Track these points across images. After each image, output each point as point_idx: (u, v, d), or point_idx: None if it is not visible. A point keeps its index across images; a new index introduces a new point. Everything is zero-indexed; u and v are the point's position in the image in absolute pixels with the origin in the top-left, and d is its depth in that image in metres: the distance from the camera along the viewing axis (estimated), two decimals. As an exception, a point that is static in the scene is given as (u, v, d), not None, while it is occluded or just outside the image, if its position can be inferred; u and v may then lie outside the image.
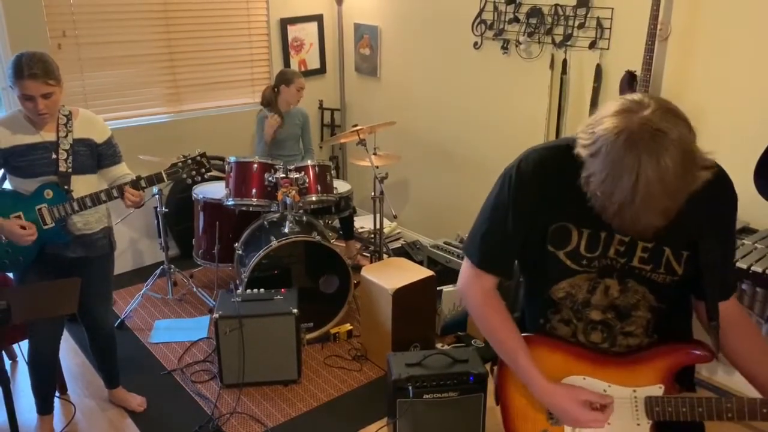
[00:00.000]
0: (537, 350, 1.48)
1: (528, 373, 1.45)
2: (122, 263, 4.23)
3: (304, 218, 3.69)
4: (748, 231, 2.85)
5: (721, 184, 1.36)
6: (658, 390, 1.43)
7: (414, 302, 3.21)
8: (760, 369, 1.40)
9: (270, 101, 4.23)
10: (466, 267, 1.53)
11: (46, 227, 2.52)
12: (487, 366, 2.73)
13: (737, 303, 1.48)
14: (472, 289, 1.52)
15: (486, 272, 1.49)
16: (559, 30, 3.54)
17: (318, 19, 4.99)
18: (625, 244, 1.39)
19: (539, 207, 1.40)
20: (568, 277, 1.43)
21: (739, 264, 2.53)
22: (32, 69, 2.34)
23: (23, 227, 2.44)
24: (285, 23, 4.80)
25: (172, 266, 4.01)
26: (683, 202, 1.17)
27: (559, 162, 1.35)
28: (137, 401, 3.02)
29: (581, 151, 1.23)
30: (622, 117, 1.17)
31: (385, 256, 4.14)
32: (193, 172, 2.75)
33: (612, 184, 1.15)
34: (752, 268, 2.50)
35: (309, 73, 5.04)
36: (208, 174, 2.86)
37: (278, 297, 3.20)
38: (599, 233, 1.39)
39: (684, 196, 1.16)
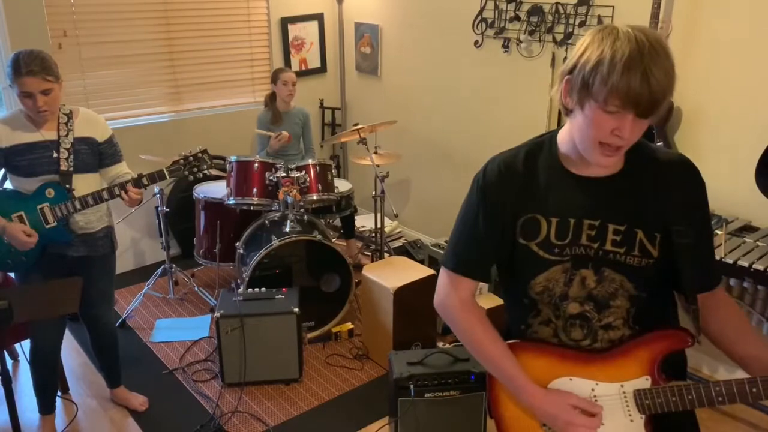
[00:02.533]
0: (521, 357, 1.47)
1: (515, 381, 1.44)
2: (124, 262, 4.24)
3: (305, 217, 3.69)
4: (749, 229, 2.85)
5: (688, 169, 1.42)
6: (645, 382, 1.41)
7: (415, 301, 3.21)
8: (745, 349, 1.41)
9: (270, 105, 4.24)
10: (442, 277, 1.54)
11: (48, 226, 2.52)
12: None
13: (723, 290, 1.48)
14: (450, 300, 1.52)
15: (462, 276, 1.50)
16: (560, 28, 3.54)
17: (318, 18, 4.99)
18: (595, 228, 1.39)
19: (506, 205, 1.43)
20: (544, 270, 1.43)
21: (740, 262, 2.53)
22: (30, 66, 2.34)
23: (28, 234, 2.45)
24: (285, 22, 4.80)
25: (174, 265, 4.01)
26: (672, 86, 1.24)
27: (521, 161, 1.44)
28: (139, 401, 3.02)
29: (568, 68, 1.30)
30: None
31: (386, 255, 4.14)
32: (195, 169, 2.75)
33: (611, 47, 1.21)
34: (753, 266, 2.50)
35: (310, 72, 5.04)
36: (210, 171, 2.85)
37: (279, 296, 3.20)
38: (568, 220, 1.40)
39: (674, 66, 1.23)
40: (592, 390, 1.44)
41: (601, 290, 1.41)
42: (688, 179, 1.41)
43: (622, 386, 1.42)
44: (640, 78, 1.18)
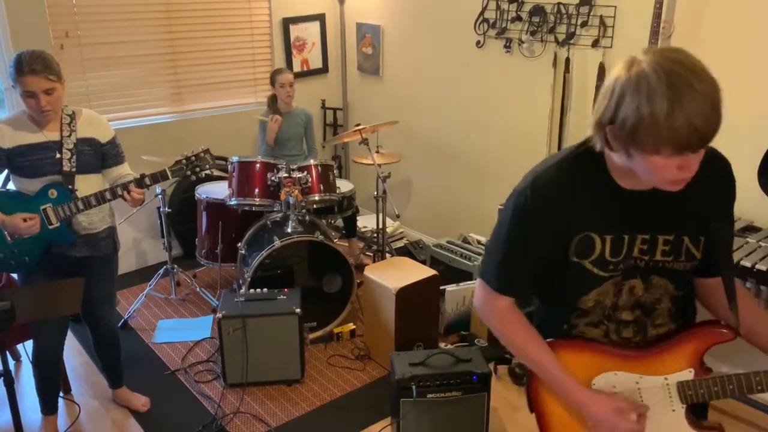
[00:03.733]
0: (563, 354, 1.49)
1: (563, 385, 1.47)
2: (126, 263, 4.24)
3: (307, 218, 3.69)
4: (752, 229, 2.84)
5: (719, 161, 1.42)
6: (688, 374, 1.46)
7: (417, 302, 3.20)
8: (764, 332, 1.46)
9: (272, 105, 4.26)
10: (481, 289, 1.53)
11: (51, 227, 2.52)
12: (491, 365, 2.74)
13: (739, 283, 1.51)
14: (490, 310, 1.53)
15: (504, 296, 1.50)
16: (562, 28, 3.54)
17: (320, 18, 4.99)
18: (647, 242, 1.41)
19: (557, 226, 1.40)
20: (597, 286, 1.44)
21: (743, 262, 2.53)
22: (32, 65, 2.34)
23: (25, 219, 2.44)
24: (287, 23, 4.80)
25: (176, 266, 4.02)
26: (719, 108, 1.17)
27: (569, 179, 1.38)
28: (141, 401, 3.02)
29: (603, 114, 1.24)
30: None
31: (388, 255, 4.14)
32: (197, 169, 2.75)
33: (648, 101, 1.15)
34: (756, 266, 2.50)
35: (311, 73, 5.04)
36: (212, 171, 2.85)
37: (281, 297, 3.20)
38: (622, 237, 1.40)
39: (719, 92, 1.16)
40: (636, 383, 1.48)
41: (648, 297, 1.46)
42: (721, 172, 1.42)
43: (665, 379, 1.47)
44: (686, 126, 1.14)
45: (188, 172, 2.74)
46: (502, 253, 1.46)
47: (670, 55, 1.17)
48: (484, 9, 3.92)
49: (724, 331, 1.45)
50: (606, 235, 1.40)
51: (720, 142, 2.74)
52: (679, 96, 1.13)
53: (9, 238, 2.50)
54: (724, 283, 1.43)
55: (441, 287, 3.45)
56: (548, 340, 1.51)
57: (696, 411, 1.50)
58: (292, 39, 4.86)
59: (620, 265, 1.42)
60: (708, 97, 1.14)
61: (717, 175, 1.41)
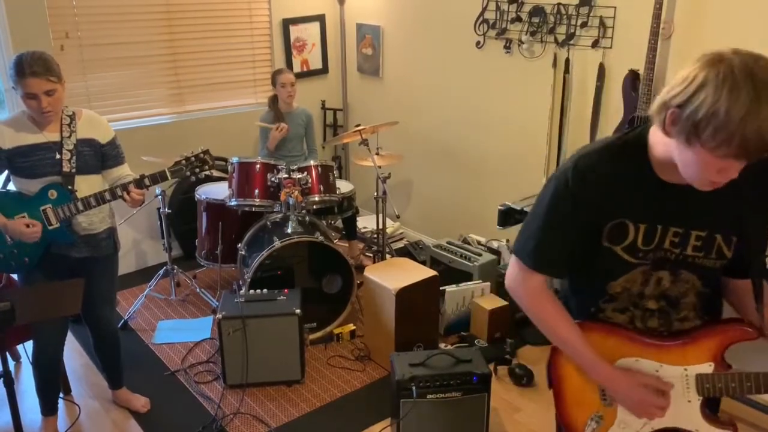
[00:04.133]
0: (590, 335, 1.53)
1: (590, 361, 1.50)
2: (126, 264, 4.24)
3: (307, 218, 3.69)
4: None
5: (764, 164, 1.38)
6: (708, 368, 1.48)
7: (417, 302, 3.21)
8: None
9: (273, 106, 4.26)
10: (515, 266, 1.56)
11: (51, 228, 2.52)
12: (491, 366, 2.74)
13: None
14: (522, 287, 1.56)
15: (538, 273, 1.53)
16: (562, 29, 3.54)
17: (320, 19, 4.99)
18: (679, 236, 1.43)
19: (594, 210, 1.43)
20: (626, 273, 1.47)
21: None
22: (33, 67, 2.35)
23: (28, 225, 2.44)
24: (287, 23, 4.81)
25: (176, 267, 4.02)
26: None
27: (610, 164, 1.40)
28: (141, 402, 3.02)
29: (675, 100, 1.22)
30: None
31: (388, 256, 4.14)
32: (197, 169, 2.75)
33: (729, 100, 1.14)
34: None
35: (311, 74, 5.05)
36: (212, 172, 2.85)
37: (281, 297, 3.20)
38: (655, 227, 1.43)
39: None
40: (657, 371, 1.51)
41: (674, 290, 1.48)
42: (760, 170, 1.39)
43: (685, 370, 1.50)
44: (755, 133, 1.14)
45: (188, 173, 2.73)
46: (539, 232, 1.49)
47: (759, 62, 1.17)
48: (483, 10, 3.92)
49: (748, 329, 1.47)
50: (640, 223, 1.43)
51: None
52: (759, 103, 1.13)
53: (9, 239, 2.50)
54: (753, 284, 1.45)
55: (441, 288, 3.45)
56: (576, 321, 1.55)
57: (709, 405, 1.53)
58: (292, 40, 4.86)
59: (650, 255, 1.45)
60: None
61: (756, 172, 1.36)
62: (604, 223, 1.44)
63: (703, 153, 1.21)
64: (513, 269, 1.57)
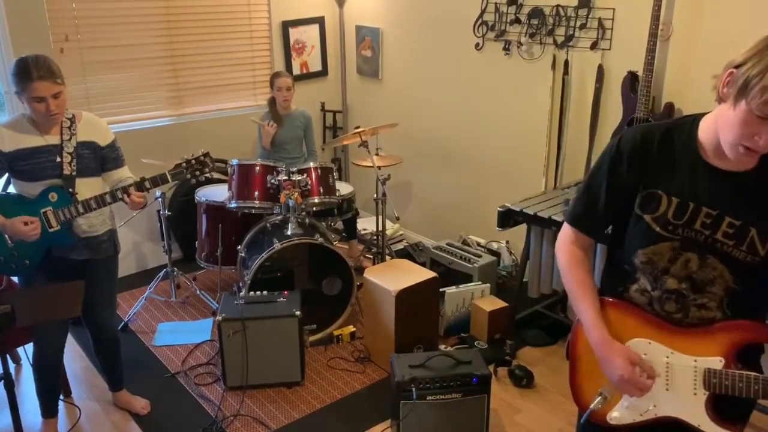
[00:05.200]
0: (612, 311, 1.58)
1: (591, 323, 1.56)
2: (126, 266, 4.24)
3: (307, 220, 3.70)
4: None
5: None
6: (718, 363, 1.47)
7: (417, 304, 3.21)
8: None
9: (271, 108, 4.28)
10: (564, 228, 1.68)
11: (51, 230, 2.53)
12: (491, 367, 2.75)
13: None
14: (564, 247, 1.67)
15: (578, 231, 1.63)
16: (561, 31, 3.55)
17: (319, 21, 5.00)
18: (711, 218, 1.44)
19: (634, 176, 1.50)
20: (653, 243, 1.50)
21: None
22: (40, 71, 2.35)
23: (26, 223, 2.44)
24: (286, 26, 4.82)
25: (176, 269, 4.02)
26: None
27: (659, 136, 1.48)
28: (141, 404, 3.02)
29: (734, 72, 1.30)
30: None
31: (387, 257, 4.15)
32: (197, 172, 2.75)
33: None
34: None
35: (311, 76, 5.05)
36: (212, 174, 2.85)
37: (281, 299, 3.21)
38: (688, 203, 1.45)
39: None
40: (667, 357, 1.52)
41: (701, 275, 1.48)
42: None
43: (695, 360, 1.50)
44: None
45: (188, 175, 2.74)
46: (583, 192, 1.62)
47: None
48: (483, 12, 3.93)
49: (764, 330, 1.46)
50: (674, 197, 1.46)
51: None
52: None
53: (9, 241, 2.50)
54: None
55: (441, 289, 3.45)
56: (602, 297, 1.60)
57: (719, 406, 1.50)
58: (291, 42, 4.87)
59: (679, 230, 1.47)
60: None
61: None
62: (640, 190, 1.49)
63: (746, 112, 1.27)
64: (562, 230, 1.69)
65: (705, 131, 1.43)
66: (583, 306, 1.58)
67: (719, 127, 1.37)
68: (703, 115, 1.46)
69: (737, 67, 1.30)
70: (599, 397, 1.56)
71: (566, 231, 1.67)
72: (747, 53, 1.29)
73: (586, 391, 1.64)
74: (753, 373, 1.43)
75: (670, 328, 1.53)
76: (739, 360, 1.47)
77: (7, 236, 2.49)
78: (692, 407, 1.50)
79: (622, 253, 1.59)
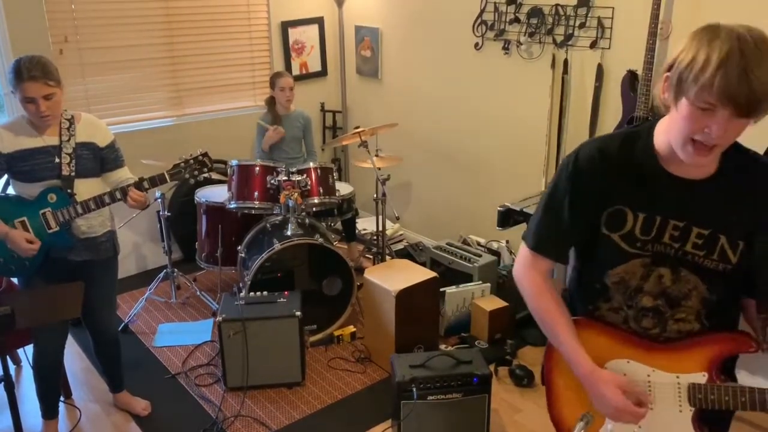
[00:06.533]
0: (584, 333, 1.51)
1: (574, 354, 1.47)
2: (126, 267, 4.24)
3: (307, 221, 3.69)
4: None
5: None
6: (701, 378, 1.44)
7: (417, 304, 3.21)
8: None
9: (270, 108, 4.27)
10: (522, 252, 1.58)
11: (50, 231, 2.53)
12: (491, 367, 2.74)
13: None
14: (526, 271, 1.56)
15: (540, 256, 1.53)
16: (560, 30, 3.54)
17: (319, 21, 5.00)
18: (679, 230, 1.40)
19: (595, 194, 1.43)
20: (624, 262, 1.45)
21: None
22: (31, 71, 2.35)
23: (30, 241, 2.45)
24: (286, 26, 4.81)
25: (176, 270, 4.02)
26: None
27: (616, 150, 1.42)
28: (142, 405, 3.02)
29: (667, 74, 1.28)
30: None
31: (387, 257, 4.14)
32: (196, 172, 2.75)
33: (709, 45, 1.21)
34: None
35: (310, 76, 5.05)
36: (211, 174, 2.86)
37: (281, 300, 3.20)
38: (654, 217, 1.41)
39: None
40: (648, 376, 1.47)
41: (675, 289, 1.44)
42: None
43: (677, 377, 1.45)
44: (737, 76, 1.16)
45: (187, 176, 2.74)
46: (540, 213, 1.53)
47: (749, 27, 1.25)
48: (482, 11, 3.93)
49: (746, 341, 1.43)
50: (639, 212, 1.42)
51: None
52: (741, 50, 1.17)
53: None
54: (758, 295, 1.42)
55: (441, 289, 3.45)
56: (573, 318, 1.53)
57: (707, 419, 1.47)
58: (290, 42, 4.87)
59: (648, 245, 1.42)
60: None
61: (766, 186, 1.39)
62: (604, 208, 1.44)
63: (688, 107, 1.24)
64: (519, 254, 1.59)
65: (661, 138, 1.39)
66: (561, 336, 1.49)
67: (669, 132, 1.33)
68: (655, 121, 1.42)
69: (669, 70, 1.27)
70: (581, 422, 1.47)
71: (527, 257, 1.56)
72: (675, 53, 1.27)
73: (566, 417, 1.59)
74: (739, 385, 1.39)
75: (648, 345, 1.48)
76: (721, 372, 1.44)
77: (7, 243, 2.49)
78: (678, 424, 1.46)
79: (592, 272, 1.53)
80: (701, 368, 1.44)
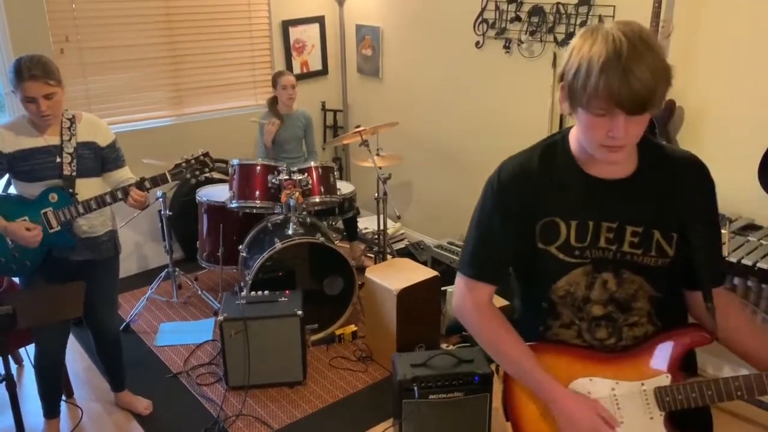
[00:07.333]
0: (541, 358, 1.45)
1: (539, 382, 1.43)
2: (127, 266, 4.24)
3: (308, 220, 3.70)
4: (752, 227, 2.84)
5: (701, 169, 1.43)
6: (665, 379, 1.41)
7: (418, 303, 3.21)
8: (753, 345, 1.42)
9: (272, 107, 4.27)
10: (458, 282, 1.53)
11: (52, 231, 2.53)
12: (493, 366, 2.74)
13: (726, 290, 1.50)
14: (466, 303, 1.51)
15: (478, 282, 1.49)
16: (561, 28, 3.54)
17: (319, 20, 5.00)
18: (613, 231, 1.39)
19: (523, 208, 1.42)
20: (565, 273, 1.43)
21: (744, 261, 2.53)
22: (32, 71, 2.35)
23: (28, 229, 2.45)
24: (287, 25, 4.81)
25: (177, 269, 4.02)
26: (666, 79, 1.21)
27: (536, 163, 1.43)
28: (143, 404, 3.03)
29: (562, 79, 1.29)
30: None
31: (389, 256, 4.14)
32: (197, 172, 2.75)
33: (589, 52, 1.21)
34: (758, 264, 2.49)
35: (311, 75, 5.05)
36: (212, 173, 2.86)
37: (283, 299, 3.21)
38: (587, 223, 1.40)
39: (663, 59, 1.20)
40: (612, 390, 1.43)
41: (622, 292, 1.43)
42: (702, 179, 1.43)
43: (642, 384, 1.42)
44: (619, 78, 1.17)
45: (188, 175, 2.74)
46: (474, 240, 1.49)
47: (627, 25, 1.23)
48: (483, 9, 3.92)
49: (701, 334, 1.42)
50: (571, 220, 1.40)
51: (720, 141, 2.73)
52: (618, 53, 1.18)
53: (10, 243, 2.51)
54: (701, 285, 1.41)
55: (442, 288, 3.45)
56: (527, 344, 1.48)
57: (692, 421, 1.45)
58: (291, 41, 4.86)
59: (587, 252, 1.41)
60: (651, 63, 1.18)
61: (698, 180, 1.42)
62: (535, 223, 1.42)
63: (586, 115, 1.26)
64: (456, 287, 1.53)
65: (575, 143, 1.40)
66: (523, 363, 1.43)
67: (580, 137, 1.35)
68: (569, 129, 1.43)
69: (561, 80, 1.28)
70: None
71: (465, 287, 1.50)
72: (563, 64, 1.28)
73: None
74: (703, 379, 1.37)
75: (607, 357, 1.44)
76: (682, 369, 1.42)
77: (8, 238, 2.49)
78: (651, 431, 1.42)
79: (536, 291, 1.48)
80: (663, 370, 1.42)
